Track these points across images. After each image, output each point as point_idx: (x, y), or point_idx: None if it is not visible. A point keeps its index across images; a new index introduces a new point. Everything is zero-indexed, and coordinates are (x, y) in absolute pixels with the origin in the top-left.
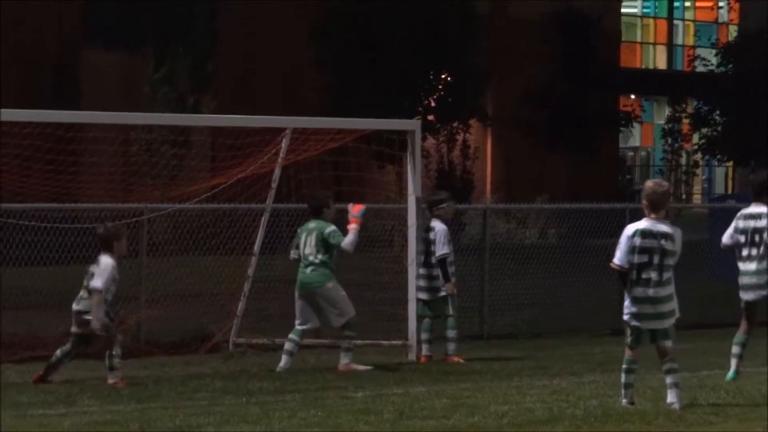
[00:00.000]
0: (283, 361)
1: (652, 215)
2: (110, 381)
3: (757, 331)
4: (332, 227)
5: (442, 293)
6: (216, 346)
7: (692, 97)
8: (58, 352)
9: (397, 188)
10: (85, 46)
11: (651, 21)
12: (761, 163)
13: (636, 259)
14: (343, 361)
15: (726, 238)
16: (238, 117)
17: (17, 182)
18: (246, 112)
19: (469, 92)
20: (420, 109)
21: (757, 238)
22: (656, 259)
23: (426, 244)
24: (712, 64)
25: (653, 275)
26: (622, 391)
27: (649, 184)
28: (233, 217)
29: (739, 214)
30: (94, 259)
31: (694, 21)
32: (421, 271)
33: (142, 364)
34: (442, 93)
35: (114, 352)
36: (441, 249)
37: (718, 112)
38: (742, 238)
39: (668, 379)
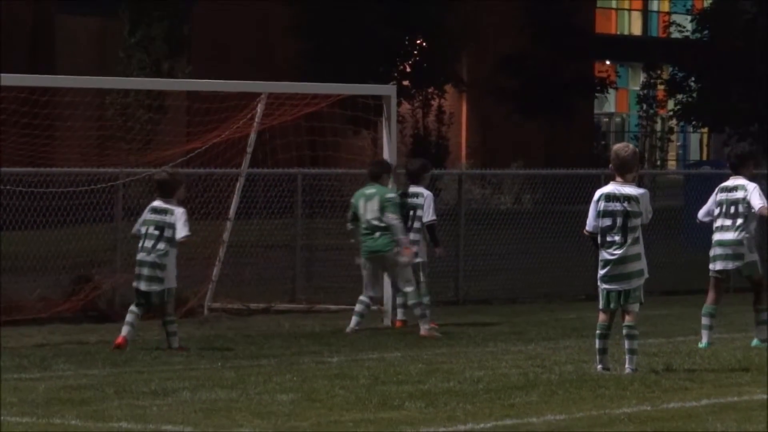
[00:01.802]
0: (353, 322)
1: (619, 178)
2: (174, 346)
3: (733, 299)
4: (392, 194)
5: (419, 259)
6: (191, 311)
7: (667, 63)
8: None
9: (372, 153)
10: (60, 10)
11: None
12: (736, 130)
13: (601, 222)
14: (424, 326)
15: (702, 214)
16: (213, 82)
17: None
18: (221, 76)
19: (444, 58)
20: (395, 74)
21: (732, 209)
22: (619, 222)
23: (410, 209)
24: (687, 31)
25: (617, 238)
26: (597, 357)
27: (614, 147)
28: (208, 181)
29: (717, 189)
30: (140, 208)
31: None
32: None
33: (117, 328)
34: (417, 58)
35: (170, 318)
36: (431, 215)
37: (693, 79)
38: (717, 210)
39: (625, 344)
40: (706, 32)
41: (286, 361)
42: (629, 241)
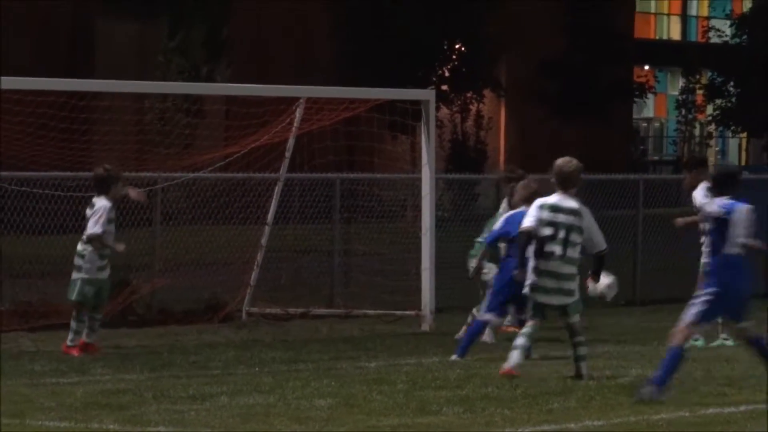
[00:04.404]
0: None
1: (561, 192)
2: (69, 343)
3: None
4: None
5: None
6: (229, 316)
7: (706, 68)
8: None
9: (410, 159)
10: (100, 15)
11: None
12: None
13: (541, 232)
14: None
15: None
16: (251, 86)
17: (31, 150)
18: (260, 81)
19: (482, 62)
20: (434, 78)
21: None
22: (561, 234)
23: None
24: (726, 36)
25: (557, 249)
26: (516, 357)
27: (557, 161)
28: (247, 186)
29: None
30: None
31: None
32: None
33: (155, 332)
34: (455, 63)
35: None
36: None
37: (732, 84)
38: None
39: (577, 352)
40: (745, 37)
41: (323, 366)
42: (568, 255)
